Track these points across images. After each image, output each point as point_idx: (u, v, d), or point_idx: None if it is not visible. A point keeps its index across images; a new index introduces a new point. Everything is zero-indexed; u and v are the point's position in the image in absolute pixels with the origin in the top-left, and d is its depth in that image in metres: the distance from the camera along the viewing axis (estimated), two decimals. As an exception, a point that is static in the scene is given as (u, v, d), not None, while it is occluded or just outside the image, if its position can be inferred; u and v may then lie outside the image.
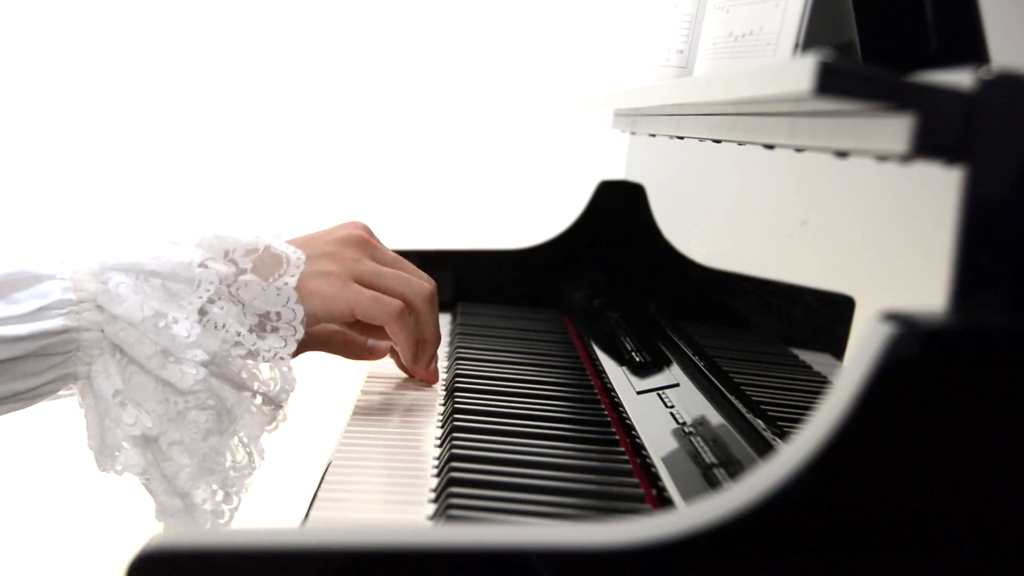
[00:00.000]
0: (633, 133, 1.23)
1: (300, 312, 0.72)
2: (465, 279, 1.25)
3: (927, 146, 0.45)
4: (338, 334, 0.84)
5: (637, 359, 0.94)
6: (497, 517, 0.60)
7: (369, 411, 0.81)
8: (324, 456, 0.75)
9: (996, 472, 0.44)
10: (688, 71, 0.92)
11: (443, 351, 1.04)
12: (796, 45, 0.65)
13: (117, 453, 0.69)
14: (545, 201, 1.78)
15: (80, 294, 0.68)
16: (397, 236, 1.84)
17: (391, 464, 0.71)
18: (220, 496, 0.72)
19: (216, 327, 0.69)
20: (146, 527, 0.71)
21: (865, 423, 0.42)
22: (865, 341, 0.42)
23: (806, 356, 0.66)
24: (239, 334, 0.70)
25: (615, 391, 0.87)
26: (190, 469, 0.70)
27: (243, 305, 0.71)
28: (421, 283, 0.78)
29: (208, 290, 0.69)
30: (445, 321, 1.17)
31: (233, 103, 1.90)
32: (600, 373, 0.94)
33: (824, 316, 0.64)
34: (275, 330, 0.72)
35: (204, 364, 0.68)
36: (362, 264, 0.76)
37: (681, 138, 0.94)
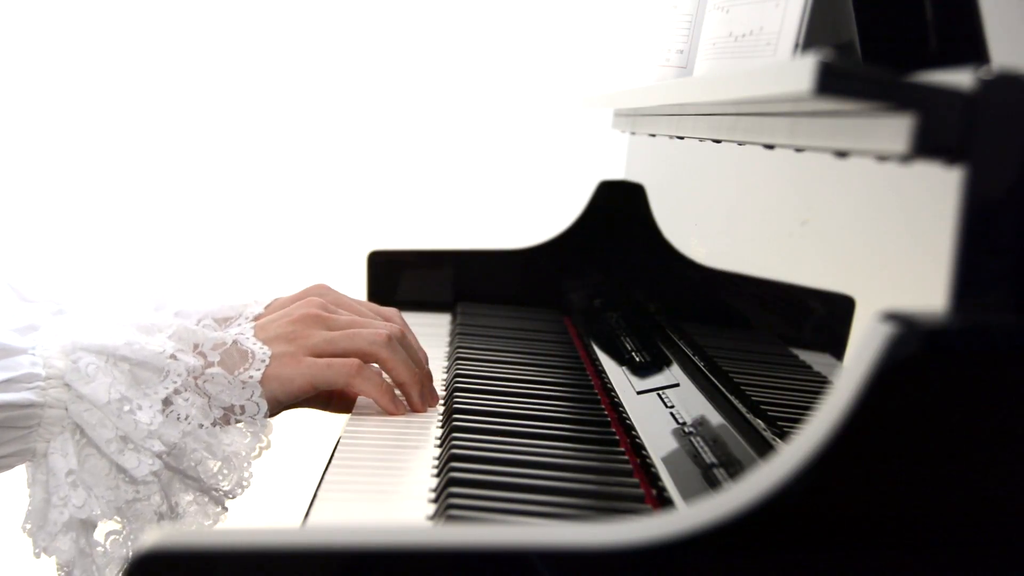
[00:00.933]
0: (633, 133, 1.23)
1: (264, 406, 0.73)
2: (465, 279, 1.25)
3: (927, 146, 0.44)
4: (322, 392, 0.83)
5: (637, 359, 0.94)
6: (497, 517, 0.60)
7: (369, 411, 0.81)
8: (324, 456, 0.75)
9: (996, 472, 0.44)
10: (688, 71, 0.92)
11: (443, 351, 1.04)
12: (796, 45, 0.65)
13: (52, 536, 0.69)
14: (545, 201, 1.78)
15: (49, 370, 0.69)
16: (398, 236, 1.84)
17: (391, 464, 0.71)
18: None
19: (179, 418, 0.70)
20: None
21: (865, 423, 0.42)
22: (865, 341, 0.42)
23: (806, 356, 0.66)
24: (201, 426, 0.71)
25: (615, 391, 0.87)
26: (120, 562, 0.71)
27: (209, 398, 0.72)
28: (375, 332, 0.77)
29: (175, 381, 0.70)
30: (445, 322, 1.17)
31: (234, 104, 1.90)
32: (600, 373, 0.94)
33: (824, 316, 0.64)
34: (238, 422, 0.73)
35: (160, 455, 0.69)
36: (312, 337, 0.76)
37: (681, 138, 0.94)
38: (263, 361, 0.73)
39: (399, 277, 1.24)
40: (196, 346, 0.73)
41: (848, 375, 0.42)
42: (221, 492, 0.74)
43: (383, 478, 0.69)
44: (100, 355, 0.69)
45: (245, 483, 0.75)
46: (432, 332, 1.12)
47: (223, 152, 1.92)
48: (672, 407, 0.79)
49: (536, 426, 0.78)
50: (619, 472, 0.70)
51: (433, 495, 0.65)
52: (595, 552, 0.42)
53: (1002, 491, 0.44)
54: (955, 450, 0.43)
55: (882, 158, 0.52)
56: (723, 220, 0.86)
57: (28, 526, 0.72)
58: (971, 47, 0.57)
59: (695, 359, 0.85)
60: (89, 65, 1.87)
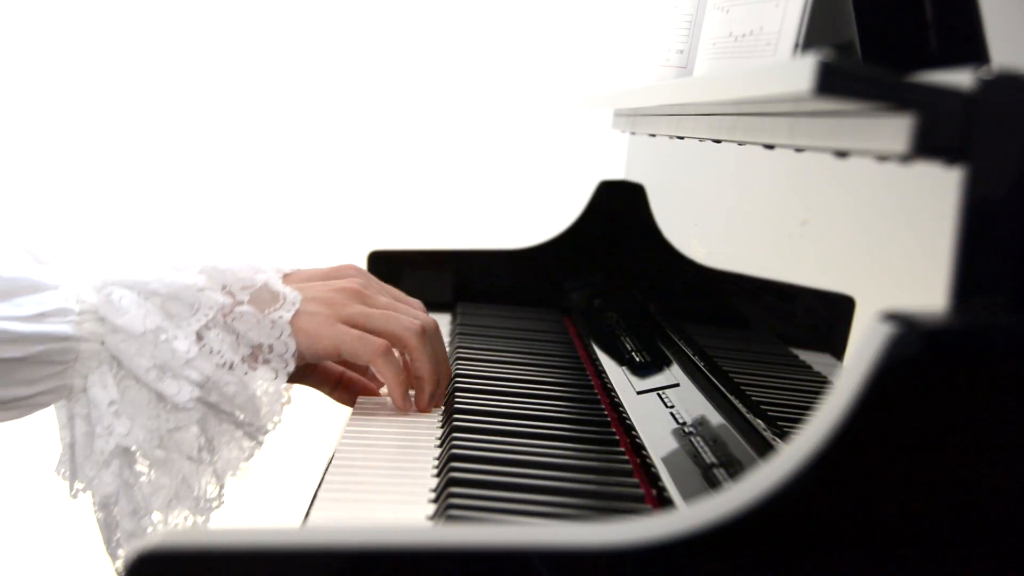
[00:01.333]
0: (633, 133, 1.23)
1: (292, 346, 0.73)
2: (465, 279, 1.25)
3: (927, 146, 0.44)
4: (331, 371, 0.84)
5: (637, 359, 0.94)
6: (497, 517, 0.60)
7: (369, 411, 0.81)
8: (324, 456, 0.75)
9: (996, 472, 0.44)
10: (688, 71, 0.92)
11: (443, 351, 1.04)
12: (796, 45, 0.65)
13: (97, 468, 0.69)
14: (545, 201, 1.78)
15: (82, 305, 0.69)
16: (398, 236, 1.84)
17: (391, 464, 0.71)
18: (190, 523, 0.73)
19: (211, 352, 0.70)
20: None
21: (865, 423, 0.42)
22: (865, 341, 0.42)
23: (806, 356, 0.66)
24: (231, 363, 0.71)
25: (615, 391, 0.87)
26: (167, 492, 0.71)
27: (237, 335, 0.72)
28: (411, 320, 0.77)
29: (207, 315, 0.70)
30: (445, 322, 1.17)
31: (234, 104, 1.90)
32: (600, 373, 0.94)
33: (824, 316, 0.64)
34: (266, 362, 0.73)
35: (198, 385, 0.69)
36: (351, 307, 0.76)
37: (681, 138, 0.94)
38: (293, 304, 0.73)
39: (399, 277, 1.24)
40: (225, 285, 0.73)
41: (848, 375, 0.42)
42: (254, 427, 0.74)
43: (383, 478, 0.69)
44: (131, 289, 0.70)
45: (277, 419, 0.75)
46: (432, 332, 1.12)
47: (224, 152, 1.92)
48: (672, 407, 0.79)
49: (536, 426, 0.78)
50: (619, 472, 0.70)
51: (433, 495, 0.65)
52: (595, 552, 0.42)
53: (1002, 491, 0.44)
54: (955, 450, 0.43)
55: (882, 158, 0.52)
56: (723, 220, 0.86)
57: (63, 469, 0.72)
58: (971, 47, 0.57)
59: (695, 359, 0.85)
60: (89, 65, 1.87)
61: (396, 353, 0.77)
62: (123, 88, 1.89)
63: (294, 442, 1.83)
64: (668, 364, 0.89)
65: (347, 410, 0.84)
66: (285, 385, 0.74)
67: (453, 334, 1.09)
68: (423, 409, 0.80)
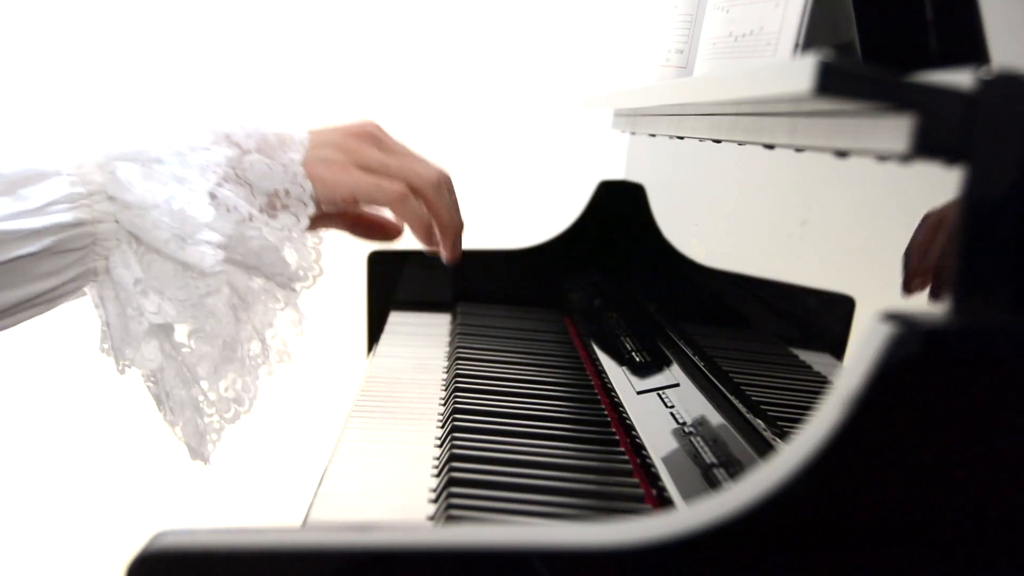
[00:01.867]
0: (633, 133, 1.23)
1: (309, 187, 0.71)
2: (465, 279, 1.25)
3: (927, 146, 0.44)
4: (348, 214, 0.82)
5: (637, 359, 0.94)
6: (497, 517, 0.60)
7: (369, 411, 0.81)
8: (324, 456, 0.75)
9: (996, 472, 0.44)
10: (688, 71, 0.92)
11: (443, 351, 1.04)
12: (796, 45, 0.65)
13: (137, 347, 0.68)
14: (545, 201, 1.78)
15: (89, 187, 0.66)
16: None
17: (391, 464, 0.71)
18: (239, 384, 0.72)
19: (228, 210, 0.68)
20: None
21: (865, 423, 0.42)
22: (865, 341, 0.42)
23: (806, 356, 0.66)
24: (250, 215, 0.69)
25: (615, 391, 0.87)
26: (210, 359, 0.69)
27: (251, 186, 0.70)
28: (428, 169, 0.76)
29: (216, 172, 0.68)
30: (445, 322, 1.17)
31: (234, 103, 1.89)
32: (600, 373, 0.94)
33: (824, 316, 0.64)
34: (285, 207, 0.71)
35: (221, 246, 0.67)
36: (366, 153, 0.75)
37: (681, 138, 0.94)
38: (302, 144, 0.72)
39: (399, 277, 1.24)
40: (229, 136, 0.71)
41: (848, 375, 0.42)
42: (285, 276, 0.72)
43: (383, 478, 0.69)
44: (135, 161, 0.67)
45: (307, 267, 0.73)
46: (432, 332, 1.12)
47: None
48: (672, 407, 0.79)
49: (536, 426, 0.78)
50: (619, 472, 0.70)
51: (433, 495, 0.65)
52: (595, 552, 0.42)
53: (1002, 491, 0.44)
54: (955, 450, 0.43)
55: (882, 158, 0.52)
56: (723, 220, 0.86)
57: (106, 346, 0.70)
58: (971, 47, 0.57)
59: (695, 359, 0.85)
60: (88, 64, 1.87)
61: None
62: (122, 88, 1.88)
63: (294, 442, 1.83)
64: (668, 364, 0.89)
65: (347, 410, 0.84)
66: (313, 232, 0.72)
67: (453, 334, 1.09)
68: (448, 255, 0.79)
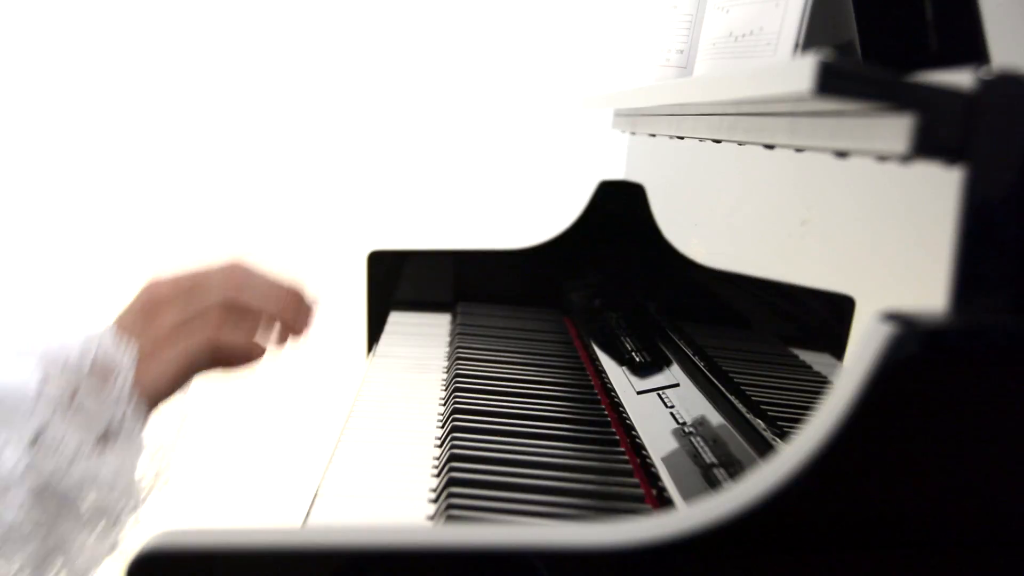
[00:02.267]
0: (633, 133, 1.23)
1: (141, 419, 0.64)
2: (465, 279, 1.25)
3: (927, 146, 0.44)
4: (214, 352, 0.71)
5: (637, 359, 0.94)
6: (497, 517, 0.60)
7: (369, 411, 0.81)
8: (324, 456, 0.75)
9: (996, 472, 0.44)
10: (688, 71, 0.92)
11: (443, 351, 1.04)
12: (796, 45, 0.65)
13: None
14: (545, 201, 1.78)
15: None
16: (398, 236, 1.84)
17: (391, 464, 0.71)
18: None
19: (54, 448, 0.61)
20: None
21: (865, 423, 0.42)
22: (865, 341, 0.42)
23: (806, 356, 0.66)
24: (78, 452, 0.62)
25: (615, 391, 0.87)
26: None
27: (85, 416, 0.63)
28: (212, 292, 0.69)
29: (45, 410, 0.61)
30: (445, 322, 1.17)
31: (234, 104, 1.90)
32: (600, 373, 0.94)
33: (824, 316, 0.64)
34: (116, 436, 0.64)
35: (34, 490, 0.60)
36: (164, 322, 0.68)
37: (681, 138, 0.94)
38: (130, 369, 0.64)
39: (399, 277, 1.24)
40: (64, 365, 0.63)
41: (848, 375, 0.42)
42: (115, 513, 0.64)
43: (383, 478, 0.69)
44: None
45: (132, 504, 0.64)
46: (432, 332, 1.12)
47: (224, 152, 1.92)
48: (672, 407, 0.79)
49: (536, 426, 0.78)
50: (619, 472, 0.70)
51: (433, 495, 0.65)
52: (595, 552, 0.42)
53: (1002, 491, 0.44)
54: (955, 450, 0.43)
55: (882, 158, 0.52)
56: (723, 220, 0.86)
57: None
58: (971, 47, 0.57)
59: (695, 359, 0.85)
60: (88, 64, 1.87)
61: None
62: (123, 88, 1.88)
63: (294, 442, 1.83)
64: (668, 364, 0.89)
65: (347, 410, 0.84)
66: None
67: (453, 334, 1.09)
68: (303, 324, 0.72)
